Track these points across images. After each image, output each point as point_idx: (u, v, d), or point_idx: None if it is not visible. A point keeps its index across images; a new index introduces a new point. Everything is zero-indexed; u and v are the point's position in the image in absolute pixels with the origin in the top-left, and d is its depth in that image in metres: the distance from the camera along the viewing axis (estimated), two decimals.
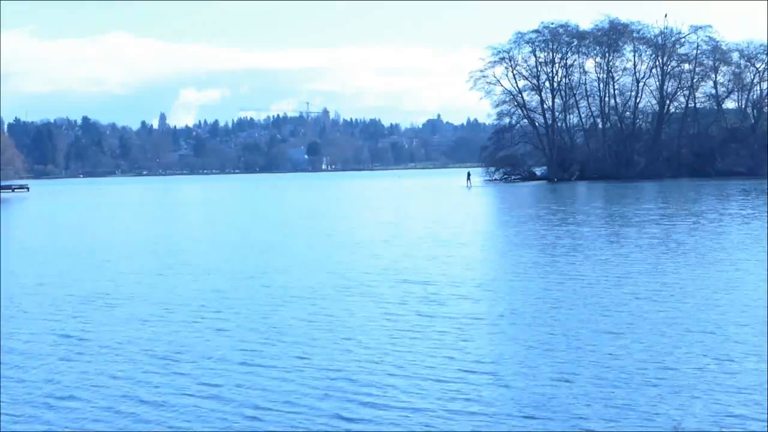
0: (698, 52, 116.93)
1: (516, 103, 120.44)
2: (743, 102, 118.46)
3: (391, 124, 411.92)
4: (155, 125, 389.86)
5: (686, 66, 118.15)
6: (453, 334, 15.96)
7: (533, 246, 31.77)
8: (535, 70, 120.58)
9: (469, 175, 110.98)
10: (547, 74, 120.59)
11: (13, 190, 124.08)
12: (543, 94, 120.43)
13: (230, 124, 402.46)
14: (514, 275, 23.99)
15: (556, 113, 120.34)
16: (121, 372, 13.88)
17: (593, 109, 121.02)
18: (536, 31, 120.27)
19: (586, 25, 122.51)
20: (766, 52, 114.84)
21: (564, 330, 16.19)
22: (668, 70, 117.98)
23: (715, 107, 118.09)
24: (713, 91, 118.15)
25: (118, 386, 13.01)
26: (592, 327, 16.42)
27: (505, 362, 13.88)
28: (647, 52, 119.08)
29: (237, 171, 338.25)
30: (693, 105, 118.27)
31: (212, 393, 12.50)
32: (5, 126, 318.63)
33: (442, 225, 43.38)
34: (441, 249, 31.06)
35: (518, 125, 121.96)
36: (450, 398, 11.92)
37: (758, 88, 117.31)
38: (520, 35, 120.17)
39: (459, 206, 63.26)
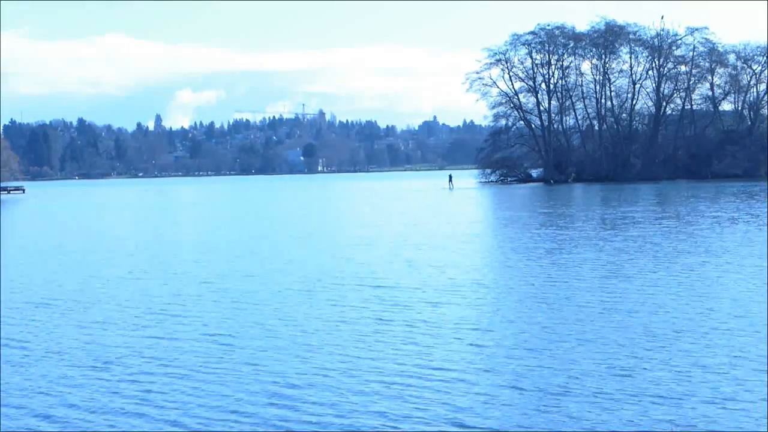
0: (695, 53, 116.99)
1: (512, 105, 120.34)
2: (740, 104, 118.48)
3: (387, 126, 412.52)
4: (151, 127, 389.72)
5: (683, 68, 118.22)
6: (410, 340, 15.64)
7: (507, 250, 31.38)
8: (531, 71, 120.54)
9: (450, 177, 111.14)
10: (543, 76, 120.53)
11: (8, 192, 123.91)
12: (539, 95, 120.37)
13: (226, 126, 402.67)
14: (482, 280, 23.49)
15: (553, 115, 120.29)
16: (60, 379, 13.55)
17: (589, 110, 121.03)
18: (532, 32, 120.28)
19: (582, 26, 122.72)
20: (762, 54, 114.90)
21: (526, 336, 15.85)
22: (665, 71, 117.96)
23: (712, 109, 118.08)
24: (710, 93, 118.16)
25: (55, 394, 12.71)
26: (556, 333, 16.08)
27: (461, 369, 13.53)
28: (643, 54, 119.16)
29: (233, 173, 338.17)
30: (689, 107, 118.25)
31: (151, 401, 12.18)
32: (1, 127, 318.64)
33: (417, 228, 43.05)
34: (411, 252, 30.73)
35: (514, 127, 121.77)
36: (397, 405, 11.66)
37: (755, 89, 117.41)
38: (516, 37, 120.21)
39: (439, 209, 62.56)
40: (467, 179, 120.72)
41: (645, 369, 13.23)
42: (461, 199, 77.23)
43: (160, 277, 25.79)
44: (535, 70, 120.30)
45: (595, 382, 12.50)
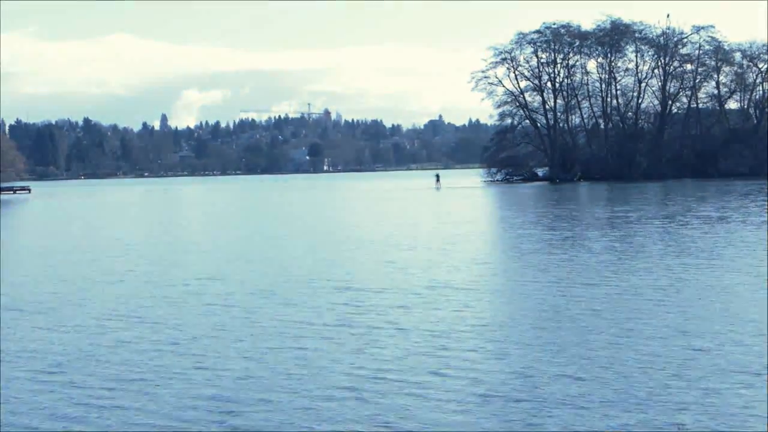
0: (700, 52, 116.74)
1: (518, 104, 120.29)
2: (745, 102, 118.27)
3: (393, 125, 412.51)
4: (156, 126, 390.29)
5: (688, 66, 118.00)
6: (374, 343, 15.42)
7: (486, 252, 31.06)
8: (537, 70, 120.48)
9: (437, 177, 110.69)
10: (549, 75, 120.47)
11: (14, 192, 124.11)
12: (545, 94, 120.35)
13: (232, 126, 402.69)
14: (454, 282, 22.84)
15: (558, 114, 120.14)
16: (8, 384, 13.37)
17: (595, 109, 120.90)
18: (538, 31, 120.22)
19: (588, 25, 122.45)
20: None
21: (495, 341, 15.54)
22: (670, 70, 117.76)
23: (718, 108, 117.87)
24: (715, 92, 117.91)
25: (2, 399, 12.51)
26: (526, 336, 15.80)
27: (420, 372, 13.29)
28: (649, 53, 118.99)
29: (238, 172, 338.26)
30: (695, 105, 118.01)
31: (98, 406, 12.02)
32: (7, 127, 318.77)
33: (400, 228, 42.75)
34: (389, 253, 30.51)
35: (520, 126, 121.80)
36: (351, 410, 11.51)
37: (761, 88, 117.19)
38: (521, 36, 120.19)
39: (424, 209, 62.06)
40: (471, 178, 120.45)
41: (625, 373, 13.01)
42: (443, 200, 75.92)
43: (140, 279, 25.57)
44: (541, 69, 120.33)
45: (564, 388, 12.25)
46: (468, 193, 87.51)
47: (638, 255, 27.91)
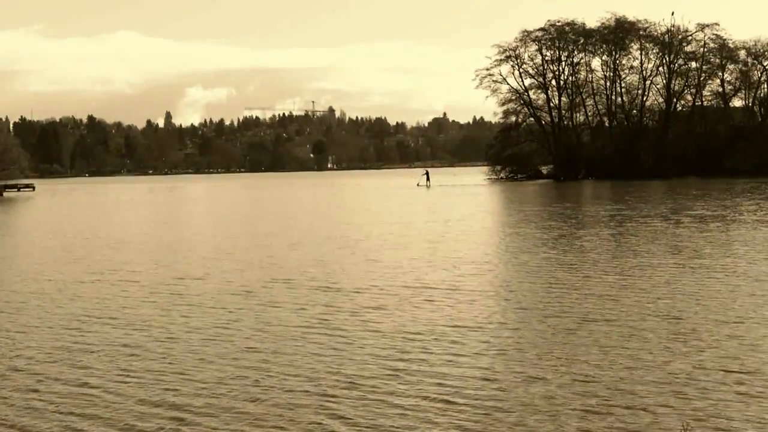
0: (705, 50, 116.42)
1: (522, 102, 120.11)
2: (750, 100, 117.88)
3: (397, 123, 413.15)
4: (161, 124, 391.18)
5: (693, 64, 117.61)
6: (341, 347, 15.09)
7: (470, 251, 30.26)
8: (541, 68, 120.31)
9: (427, 174, 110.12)
10: (553, 72, 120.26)
11: (19, 190, 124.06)
12: (549, 92, 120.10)
13: (236, 123, 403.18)
14: (433, 284, 22.22)
15: (563, 111, 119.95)
16: None
17: (600, 107, 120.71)
18: (542, 29, 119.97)
19: (592, 23, 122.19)
20: None
21: (462, 343, 15.14)
22: (675, 68, 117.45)
23: (722, 105, 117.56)
24: (720, 90, 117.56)
25: None
26: (492, 341, 15.33)
27: (382, 377, 13.03)
28: (654, 50, 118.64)
29: (242, 170, 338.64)
30: (700, 103, 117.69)
31: (40, 414, 11.69)
32: (11, 125, 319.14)
33: (389, 227, 42.31)
34: (374, 252, 30.20)
35: (524, 124, 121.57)
36: (307, 414, 11.33)
37: (765, 86, 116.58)
38: (526, 33, 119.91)
39: (417, 208, 61.02)
40: (474, 176, 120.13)
41: (605, 376, 12.75)
42: (439, 199, 74.25)
43: (125, 278, 25.13)
44: (545, 67, 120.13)
45: (538, 392, 12.01)
46: (466, 191, 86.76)
47: (629, 254, 27.53)
